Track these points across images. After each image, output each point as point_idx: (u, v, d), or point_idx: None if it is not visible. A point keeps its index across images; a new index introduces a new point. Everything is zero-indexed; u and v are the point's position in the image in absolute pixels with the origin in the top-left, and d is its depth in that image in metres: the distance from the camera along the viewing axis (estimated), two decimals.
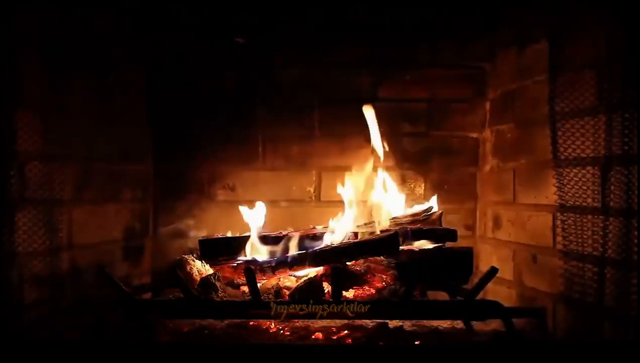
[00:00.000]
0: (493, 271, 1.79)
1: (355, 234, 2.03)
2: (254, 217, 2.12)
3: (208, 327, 1.89)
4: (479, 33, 2.31)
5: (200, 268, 2.02)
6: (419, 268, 1.90)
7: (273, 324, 1.90)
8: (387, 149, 2.26)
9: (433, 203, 2.20)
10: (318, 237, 2.01)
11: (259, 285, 1.81)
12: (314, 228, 2.12)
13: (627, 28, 1.54)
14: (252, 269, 1.78)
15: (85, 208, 1.94)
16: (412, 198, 2.38)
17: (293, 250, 1.97)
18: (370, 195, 2.22)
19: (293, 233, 2.04)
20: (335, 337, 1.82)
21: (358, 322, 1.91)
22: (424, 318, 1.95)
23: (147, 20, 2.26)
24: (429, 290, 2.00)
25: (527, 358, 1.55)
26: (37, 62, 1.69)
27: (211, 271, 1.99)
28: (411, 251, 1.99)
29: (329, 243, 1.99)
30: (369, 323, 1.91)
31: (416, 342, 1.80)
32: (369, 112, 2.25)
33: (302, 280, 1.91)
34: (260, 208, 2.16)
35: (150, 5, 2.24)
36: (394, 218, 2.16)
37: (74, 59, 1.85)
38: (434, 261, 1.96)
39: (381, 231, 2.03)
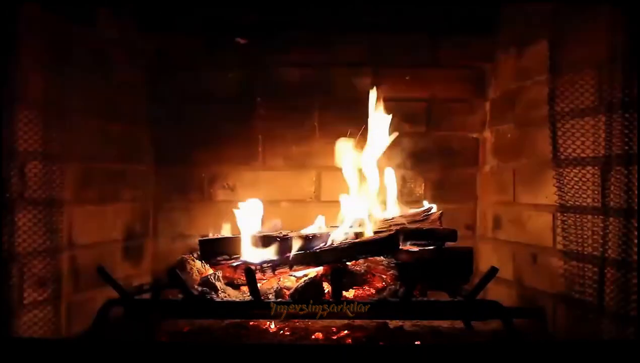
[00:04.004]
0: (493, 271, 1.79)
1: (356, 234, 2.03)
2: (250, 217, 2.12)
3: (208, 327, 1.89)
4: (479, 33, 2.32)
5: (200, 268, 2.02)
6: (419, 268, 1.90)
7: (273, 324, 1.90)
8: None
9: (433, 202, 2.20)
10: (318, 237, 2.01)
11: (259, 285, 1.81)
12: None
13: (627, 28, 1.54)
14: (252, 269, 1.78)
15: (85, 208, 1.94)
16: (412, 199, 2.38)
17: (293, 250, 1.97)
18: (370, 195, 2.22)
19: (293, 234, 2.03)
20: (335, 337, 1.82)
21: (358, 322, 1.91)
22: (424, 318, 1.95)
23: (148, 20, 2.26)
24: (429, 290, 1.99)
25: (527, 358, 1.55)
26: (38, 61, 1.69)
27: (211, 271, 1.99)
28: (411, 251, 1.99)
29: (329, 243, 1.99)
30: (369, 323, 1.91)
31: (416, 342, 1.80)
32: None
33: (302, 280, 1.91)
34: (256, 207, 2.16)
35: (151, 5, 2.24)
36: (393, 218, 2.16)
37: (74, 58, 1.85)
38: (434, 261, 1.96)
39: (381, 231, 2.03)
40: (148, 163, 2.39)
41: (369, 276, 1.98)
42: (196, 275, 1.99)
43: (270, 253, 1.97)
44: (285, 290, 1.90)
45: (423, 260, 1.95)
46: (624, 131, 1.53)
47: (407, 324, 1.96)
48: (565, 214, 1.74)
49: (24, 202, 1.63)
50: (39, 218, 1.68)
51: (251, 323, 1.91)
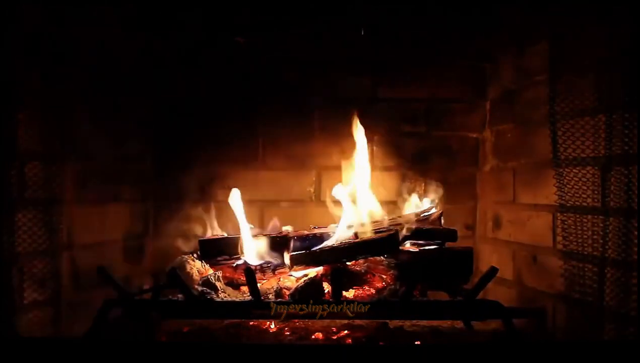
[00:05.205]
0: (493, 271, 1.79)
1: (356, 234, 2.03)
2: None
3: (208, 327, 1.89)
4: (479, 33, 2.32)
5: (200, 268, 2.02)
6: (419, 268, 1.90)
7: (273, 324, 1.90)
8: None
9: (433, 202, 2.20)
10: (318, 237, 2.01)
11: (259, 285, 1.81)
12: (314, 228, 2.12)
13: (628, 28, 1.54)
14: (252, 269, 1.78)
15: (85, 208, 1.94)
16: (412, 199, 2.38)
17: (292, 250, 1.97)
18: (370, 196, 2.22)
19: (293, 234, 2.04)
20: (335, 337, 1.82)
21: (358, 322, 1.91)
22: (424, 318, 1.95)
23: (148, 18, 2.26)
24: (429, 290, 2.00)
25: (527, 358, 1.55)
26: (38, 61, 1.69)
27: (211, 271, 1.99)
28: (411, 251, 1.99)
29: (329, 243, 1.99)
30: (369, 323, 1.91)
31: (416, 342, 1.80)
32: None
33: (302, 280, 1.91)
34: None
35: (152, 3, 2.24)
36: (393, 218, 2.16)
37: (74, 58, 1.85)
38: (434, 261, 1.96)
39: (381, 231, 2.02)
40: (148, 163, 2.39)
41: (369, 276, 1.98)
42: (196, 275, 1.98)
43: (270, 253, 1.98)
44: (285, 290, 1.90)
45: (423, 260, 1.95)
46: (624, 131, 1.53)
47: (407, 324, 1.96)
48: (565, 214, 1.74)
49: (24, 202, 1.63)
50: (39, 218, 1.68)
51: (251, 323, 1.91)
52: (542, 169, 1.92)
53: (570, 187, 1.72)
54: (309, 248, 1.97)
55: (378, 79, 2.42)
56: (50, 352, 1.50)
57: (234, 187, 2.18)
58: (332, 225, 2.11)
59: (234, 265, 2.01)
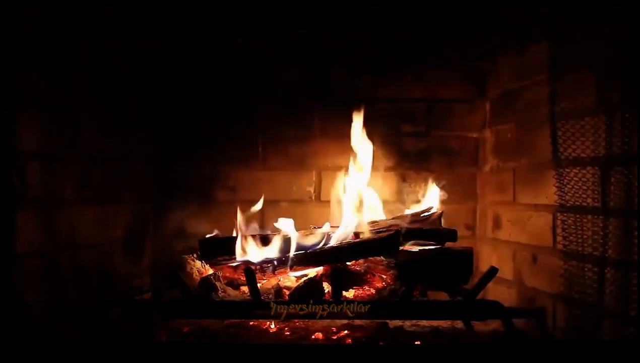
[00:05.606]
0: (493, 271, 1.80)
1: (356, 234, 2.03)
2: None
3: (208, 327, 1.89)
4: (479, 33, 2.32)
5: (200, 268, 2.02)
6: (419, 268, 1.91)
7: (273, 324, 1.90)
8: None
9: (433, 202, 2.20)
10: (318, 237, 2.01)
11: (259, 285, 1.81)
12: (314, 228, 2.12)
13: (628, 28, 1.54)
14: (252, 269, 1.78)
15: (86, 208, 1.94)
16: (412, 199, 2.38)
17: (292, 250, 1.97)
18: (370, 195, 2.23)
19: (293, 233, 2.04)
20: (335, 337, 1.82)
21: (358, 322, 1.91)
22: (424, 318, 1.95)
23: (148, 19, 2.26)
24: (429, 290, 2.00)
25: (527, 358, 1.55)
26: (38, 61, 1.69)
27: (211, 271, 1.99)
28: (411, 251, 1.99)
29: (329, 244, 1.99)
30: (369, 323, 1.91)
31: (416, 342, 1.80)
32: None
33: (302, 280, 1.91)
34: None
35: (151, 4, 2.24)
36: (393, 218, 2.16)
37: (74, 58, 1.85)
38: (434, 261, 1.96)
39: (381, 231, 2.02)
40: (148, 163, 2.39)
41: (369, 276, 1.98)
42: (196, 275, 1.99)
43: (270, 253, 1.98)
44: (285, 290, 1.90)
45: (423, 260, 1.95)
46: (624, 131, 1.53)
47: (407, 324, 1.96)
48: (565, 214, 1.75)
49: (24, 202, 1.63)
50: (39, 218, 1.68)
51: (251, 323, 1.91)
52: (542, 169, 1.92)
53: (570, 187, 1.72)
54: (309, 248, 1.97)
55: (378, 79, 2.42)
56: (50, 352, 1.51)
57: (233, 187, 2.17)
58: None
59: (234, 265, 2.01)
